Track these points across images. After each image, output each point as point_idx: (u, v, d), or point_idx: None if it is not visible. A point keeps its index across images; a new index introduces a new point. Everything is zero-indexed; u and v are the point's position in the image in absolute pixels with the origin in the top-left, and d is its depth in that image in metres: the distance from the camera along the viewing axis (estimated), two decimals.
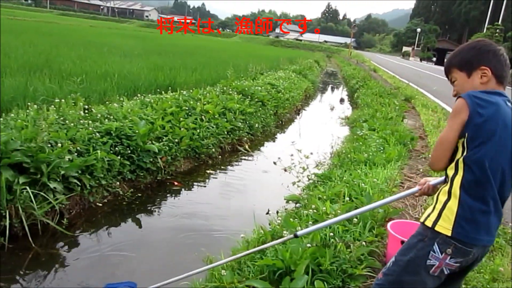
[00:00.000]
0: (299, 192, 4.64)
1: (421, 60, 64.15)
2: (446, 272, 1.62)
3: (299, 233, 2.17)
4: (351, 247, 2.78)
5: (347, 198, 3.82)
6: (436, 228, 1.58)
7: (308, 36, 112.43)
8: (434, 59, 69.77)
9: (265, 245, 2.48)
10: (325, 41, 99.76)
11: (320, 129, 9.59)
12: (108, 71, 8.59)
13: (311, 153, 5.15)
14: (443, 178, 1.73)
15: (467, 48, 1.71)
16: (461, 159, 1.58)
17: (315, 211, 3.50)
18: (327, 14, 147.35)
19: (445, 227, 1.56)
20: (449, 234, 1.54)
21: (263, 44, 62.22)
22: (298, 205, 4.22)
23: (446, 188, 1.62)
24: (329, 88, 20.53)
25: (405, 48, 78.11)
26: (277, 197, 4.69)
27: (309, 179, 4.88)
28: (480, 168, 1.54)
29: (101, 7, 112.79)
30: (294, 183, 4.83)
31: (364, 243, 2.90)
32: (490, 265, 2.94)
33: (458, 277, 1.77)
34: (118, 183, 4.50)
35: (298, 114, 11.29)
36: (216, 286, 2.55)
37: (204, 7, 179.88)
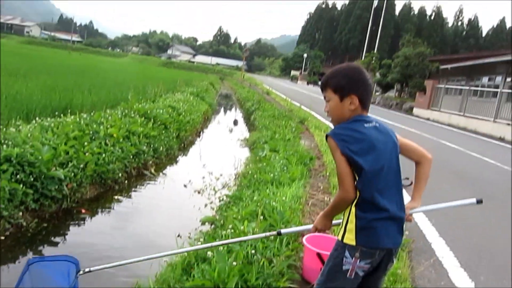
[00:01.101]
0: (212, 213, 4.76)
1: (308, 83, 68.22)
2: (360, 274, 1.88)
3: (282, 231, 2.36)
4: (274, 262, 2.97)
5: (261, 217, 4.03)
6: (345, 241, 1.87)
7: (201, 58, 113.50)
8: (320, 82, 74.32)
9: (245, 238, 2.73)
10: (218, 64, 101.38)
11: (221, 150, 9.82)
12: None
13: (221, 175, 5.32)
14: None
15: (343, 74, 1.95)
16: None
17: (232, 230, 3.65)
18: (218, 37, 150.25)
19: (350, 238, 1.85)
20: (354, 244, 1.83)
21: (156, 65, 61.47)
22: (213, 226, 4.34)
23: (349, 208, 1.90)
24: (226, 110, 21.00)
25: (293, 72, 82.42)
26: (189, 219, 4.75)
27: (220, 200, 5.03)
28: (367, 189, 1.82)
29: None
30: (206, 205, 4.94)
31: (283, 257, 3.12)
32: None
33: (375, 280, 2.03)
34: (21, 213, 4.22)
35: (199, 136, 11.43)
36: None
37: (92, 25, 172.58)
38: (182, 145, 9.58)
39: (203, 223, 4.49)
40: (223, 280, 2.69)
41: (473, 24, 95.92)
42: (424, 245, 4.22)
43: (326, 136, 1.90)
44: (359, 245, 1.83)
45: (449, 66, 27.76)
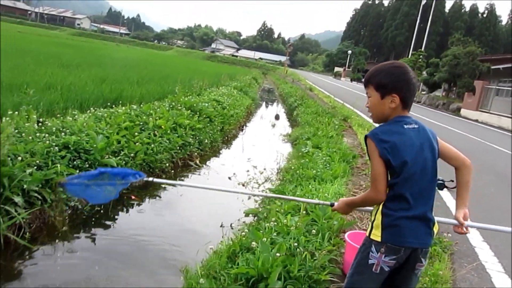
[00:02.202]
0: (255, 205, 4.89)
1: (351, 80, 67.23)
2: (386, 269, 1.95)
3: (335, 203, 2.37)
4: (316, 255, 3.06)
5: (303, 212, 4.12)
6: (371, 237, 1.93)
7: (244, 53, 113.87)
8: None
9: (299, 199, 2.87)
10: (261, 58, 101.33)
11: (264, 145, 9.94)
12: (51, 83, 8.38)
13: (264, 169, 5.43)
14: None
15: (386, 72, 1.98)
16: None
17: (275, 223, 3.76)
18: (262, 32, 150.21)
19: (377, 235, 1.91)
20: (379, 240, 1.90)
21: (200, 58, 62.34)
22: (256, 218, 4.46)
23: (377, 206, 1.97)
24: (268, 105, 21.11)
25: (336, 69, 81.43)
26: (233, 211, 4.90)
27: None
28: (398, 188, 1.89)
29: (29, 12, 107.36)
30: (249, 198, 5.07)
31: (324, 252, 3.20)
32: (431, 269, 3.35)
33: (403, 279, 2.05)
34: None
35: (242, 130, 11.60)
36: None
37: (139, 18, 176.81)
38: (226, 138, 9.78)
39: (246, 215, 4.63)
40: (266, 270, 2.81)
41: None
42: (467, 249, 4.18)
43: (365, 137, 1.96)
44: (384, 242, 1.89)
45: (501, 66, 26.68)
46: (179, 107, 8.43)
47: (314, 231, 3.58)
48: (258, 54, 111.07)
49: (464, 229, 2.03)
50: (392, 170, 1.89)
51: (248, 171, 5.06)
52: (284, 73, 48.53)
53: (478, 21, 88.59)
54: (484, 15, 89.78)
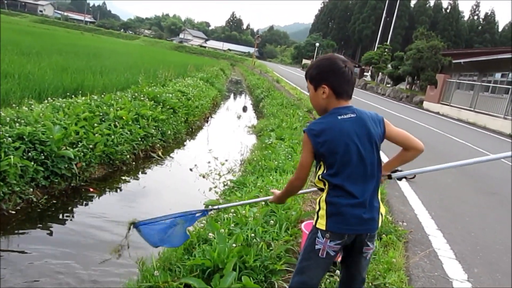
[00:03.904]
0: (216, 197, 4.88)
1: None
2: (332, 254, 2.02)
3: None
4: (272, 246, 3.09)
5: (262, 203, 4.14)
6: (317, 226, 2.01)
7: (212, 44, 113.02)
8: None
9: (249, 201, 3.18)
10: (229, 49, 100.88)
11: (228, 136, 9.93)
12: (8, 71, 8.09)
13: (226, 160, 5.42)
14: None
15: (316, 65, 2.09)
16: (322, 175, 2.01)
17: (234, 214, 3.77)
18: (231, 23, 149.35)
19: (322, 224, 1.99)
20: (324, 229, 1.97)
21: (168, 49, 61.47)
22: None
23: (321, 196, 2.04)
24: (235, 97, 21.06)
25: (304, 61, 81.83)
26: (193, 202, 4.87)
27: (224, 185, 5.15)
28: (336, 178, 1.95)
29: None
30: (210, 189, 5.06)
31: (281, 242, 3.24)
32: (385, 257, 3.44)
33: (353, 263, 2.15)
34: (31, 189, 4.38)
35: (207, 122, 11.55)
36: (150, 286, 2.71)
37: (105, 6, 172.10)
38: (190, 129, 9.71)
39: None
40: (222, 261, 2.81)
41: (490, 19, 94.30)
42: (422, 237, 4.31)
43: (303, 131, 2.05)
44: (328, 230, 1.97)
45: (462, 60, 27.50)
46: (142, 98, 8.30)
47: (272, 221, 3.61)
48: (226, 45, 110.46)
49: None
50: (327, 162, 1.97)
51: (209, 162, 5.04)
52: (252, 65, 48.46)
53: (442, 16, 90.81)
54: (448, 11, 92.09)
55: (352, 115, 2.00)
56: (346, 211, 1.95)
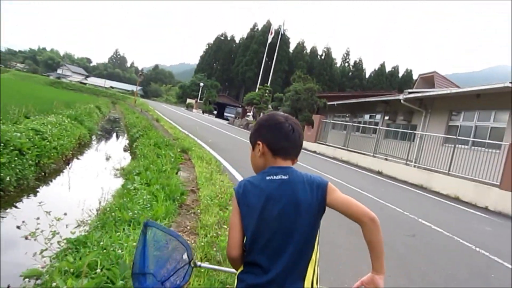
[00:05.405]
0: (44, 262, 3.86)
1: (203, 112, 68.06)
2: None
3: None
4: None
5: (98, 270, 3.28)
6: None
7: (94, 80, 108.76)
8: (215, 112, 75.17)
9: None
10: (112, 87, 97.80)
11: (91, 181, 8.79)
12: None
13: (65, 214, 4.43)
14: None
15: (254, 124, 1.90)
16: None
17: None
18: (114, 60, 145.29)
19: None
20: None
21: (42, 84, 57.12)
22: (39, 281, 3.47)
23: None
24: (109, 136, 19.64)
25: (189, 100, 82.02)
26: (13, 271, 3.82)
27: (61, 246, 4.15)
28: (249, 249, 1.69)
29: None
30: (42, 251, 4.03)
31: None
32: None
33: None
34: None
35: (68, 164, 10.21)
36: None
37: None
38: (43, 173, 8.38)
39: (25, 278, 3.58)
40: None
41: (358, 66, 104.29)
42: None
43: None
44: None
45: (336, 102, 29.36)
46: None
47: None
48: (109, 83, 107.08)
49: None
50: (244, 228, 1.71)
51: (38, 218, 4.04)
52: (134, 103, 46.81)
53: (317, 62, 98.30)
54: (322, 57, 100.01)
55: (284, 177, 1.71)
56: None
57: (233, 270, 2.59)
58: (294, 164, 1.84)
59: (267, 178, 1.72)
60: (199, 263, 2.15)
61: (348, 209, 1.68)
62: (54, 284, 2.97)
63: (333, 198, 1.70)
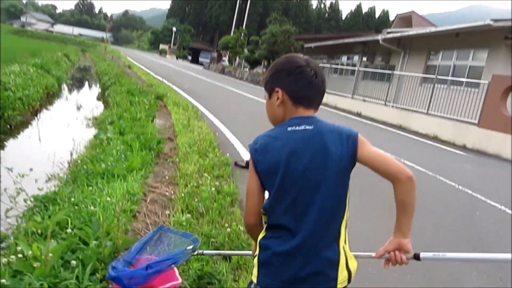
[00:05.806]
0: (9, 225, 3.54)
1: (177, 58, 66.38)
2: None
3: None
4: None
5: (69, 230, 2.98)
6: (252, 277, 1.51)
7: (61, 28, 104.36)
8: (190, 57, 73.42)
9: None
10: (80, 34, 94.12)
11: (61, 132, 8.33)
12: None
13: (31, 169, 4.08)
14: None
15: (271, 67, 1.63)
16: (263, 206, 1.53)
17: (19, 255, 2.57)
18: (81, 6, 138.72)
19: (254, 274, 1.49)
20: (255, 281, 1.47)
21: (5, 33, 54.29)
22: (3, 244, 3.16)
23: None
24: (80, 85, 18.85)
25: (162, 46, 79.80)
26: None
27: (28, 205, 3.82)
28: (271, 211, 1.48)
29: None
30: (7, 212, 3.70)
31: None
32: None
33: None
34: None
35: (36, 116, 9.67)
36: None
37: None
38: (8, 127, 7.88)
39: None
40: None
41: (334, 8, 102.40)
42: None
43: None
44: (259, 284, 1.45)
45: (312, 44, 28.76)
46: None
47: (74, 262, 2.50)
48: (77, 30, 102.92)
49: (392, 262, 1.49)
50: (266, 188, 1.50)
51: (13, 171, 3.68)
52: (104, 51, 45.09)
53: (293, 4, 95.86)
54: None
55: (308, 127, 1.48)
56: (278, 261, 1.41)
57: (238, 252, 2.44)
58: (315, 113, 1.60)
59: (289, 129, 1.50)
60: (201, 251, 2.10)
61: (382, 165, 1.43)
62: (18, 248, 2.67)
63: (365, 151, 1.46)
